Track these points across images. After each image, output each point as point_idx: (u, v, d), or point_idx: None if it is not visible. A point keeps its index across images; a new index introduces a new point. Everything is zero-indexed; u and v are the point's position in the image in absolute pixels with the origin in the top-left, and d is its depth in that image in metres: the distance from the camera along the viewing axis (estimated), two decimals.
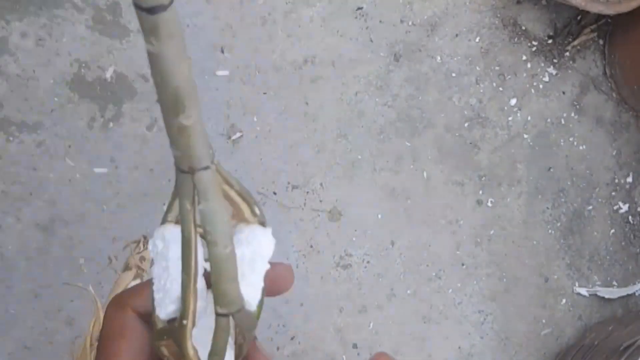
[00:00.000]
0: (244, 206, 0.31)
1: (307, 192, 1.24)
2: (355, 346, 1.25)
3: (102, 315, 0.74)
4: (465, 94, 1.32)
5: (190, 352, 0.27)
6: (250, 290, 0.31)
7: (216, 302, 0.26)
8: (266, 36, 1.23)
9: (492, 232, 1.33)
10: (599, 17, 1.36)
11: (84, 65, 1.14)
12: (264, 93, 1.22)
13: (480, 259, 1.32)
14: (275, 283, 0.31)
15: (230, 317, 0.27)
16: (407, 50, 1.29)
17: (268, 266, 0.30)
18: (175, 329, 0.27)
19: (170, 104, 0.22)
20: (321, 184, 1.24)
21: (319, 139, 1.25)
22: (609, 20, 1.39)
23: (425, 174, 1.30)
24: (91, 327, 0.76)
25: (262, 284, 0.31)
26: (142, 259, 0.79)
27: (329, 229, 1.24)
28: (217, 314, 0.26)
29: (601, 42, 1.40)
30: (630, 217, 1.41)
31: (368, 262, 1.26)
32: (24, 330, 1.10)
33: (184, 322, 0.27)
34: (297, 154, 1.24)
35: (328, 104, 1.25)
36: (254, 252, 0.31)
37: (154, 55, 0.22)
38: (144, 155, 1.16)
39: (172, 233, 0.29)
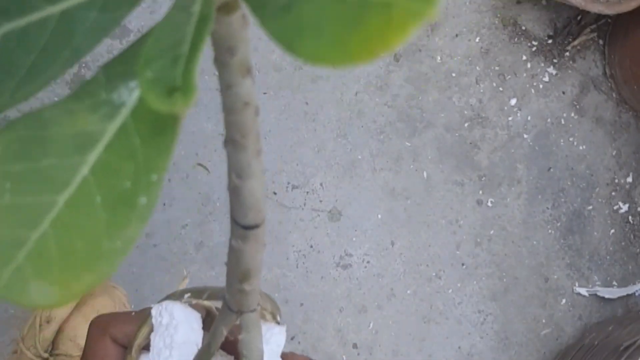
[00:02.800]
0: (269, 316, 0.36)
1: (307, 192, 1.24)
2: (355, 346, 1.25)
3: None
4: (465, 94, 1.32)
5: None
6: None
7: None
8: (266, 36, 1.23)
9: (492, 232, 1.33)
10: (599, 17, 1.36)
11: (83, 65, 1.14)
12: (264, 93, 1.22)
13: (480, 259, 1.32)
14: None
15: None
16: (407, 50, 1.29)
17: None
18: None
19: (238, 277, 0.25)
20: (321, 184, 1.24)
21: (319, 139, 1.25)
22: (609, 20, 1.39)
23: (425, 174, 1.30)
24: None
25: None
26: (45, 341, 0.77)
27: (329, 229, 1.24)
28: None
29: (601, 42, 1.40)
30: (630, 217, 1.41)
31: (368, 262, 1.26)
32: None
33: None
34: (297, 154, 1.24)
35: (328, 104, 1.25)
36: (271, 351, 0.35)
37: (236, 250, 0.25)
38: None
39: (181, 313, 0.32)
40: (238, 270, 0.25)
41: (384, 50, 0.15)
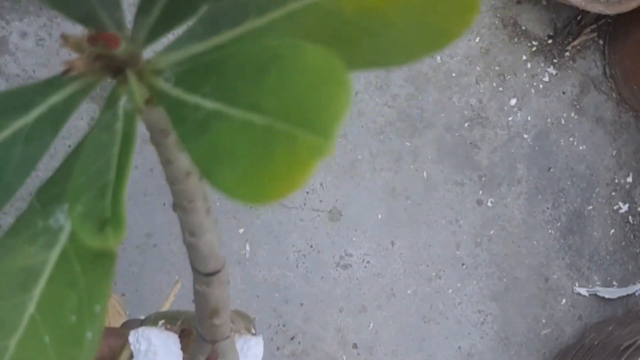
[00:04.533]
0: (244, 331, 0.37)
1: (307, 192, 1.24)
2: (355, 346, 1.25)
3: None
4: (465, 94, 1.32)
5: None
6: None
7: None
8: None
9: (492, 232, 1.33)
10: (599, 17, 1.36)
11: None
12: None
13: (480, 259, 1.32)
14: None
15: None
16: None
17: None
18: None
19: (208, 314, 0.27)
20: (321, 184, 1.24)
21: None
22: (609, 20, 1.39)
23: (425, 173, 1.30)
24: None
25: None
26: None
27: (329, 229, 1.24)
28: None
29: (601, 42, 1.40)
30: (630, 217, 1.41)
31: (368, 262, 1.26)
32: None
33: None
34: None
35: None
36: None
37: (202, 293, 0.26)
38: (144, 155, 1.16)
39: (158, 338, 0.33)
40: (206, 309, 0.26)
41: (291, 188, 0.15)
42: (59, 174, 0.21)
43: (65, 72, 0.19)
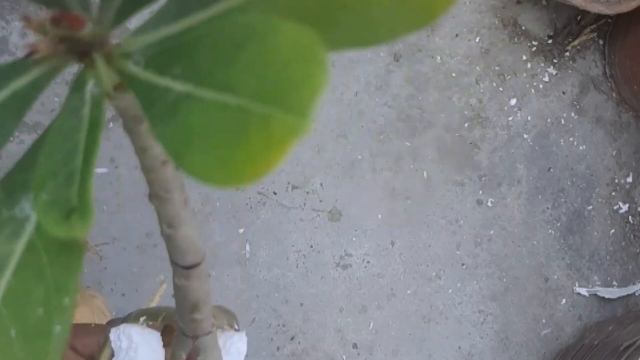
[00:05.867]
0: (226, 327, 0.36)
1: (307, 192, 1.24)
2: (355, 346, 1.25)
3: None
4: (465, 94, 1.32)
5: None
6: None
7: None
8: None
9: (492, 232, 1.33)
10: (599, 17, 1.36)
11: None
12: None
13: (480, 259, 1.32)
14: None
15: None
16: (407, 50, 1.29)
17: None
18: None
19: (188, 309, 0.26)
20: (321, 184, 1.24)
21: (319, 139, 1.25)
22: (609, 20, 1.39)
23: (425, 174, 1.30)
24: None
25: None
26: None
27: (329, 229, 1.24)
28: None
29: (601, 42, 1.40)
30: (630, 217, 1.41)
31: (368, 262, 1.26)
32: None
33: None
34: (297, 154, 1.24)
35: (328, 104, 1.25)
36: (233, 359, 0.35)
37: (181, 287, 0.26)
38: None
39: (140, 335, 0.32)
40: (187, 304, 0.26)
41: (266, 169, 0.15)
42: (25, 161, 0.20)
43: (29, 55, 0.18)
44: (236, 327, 0.36)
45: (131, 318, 0.34)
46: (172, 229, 0.23)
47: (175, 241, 0.24)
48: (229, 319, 0.35)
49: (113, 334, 0.33)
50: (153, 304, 0.69)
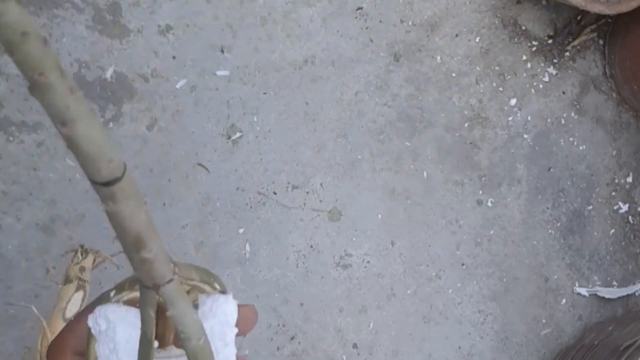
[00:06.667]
0: (205, 286, 0.33)
1: (307, 192, 1.24)
2: (355, 346, 1.25)
3: (48, 332, 0.73)
4: (465, 94, 1.32)
5: None
6: None
7: None
8: (266, 36, 1.23)
9: (492, 232, 1.33)
10: (599, 17, 1.36)
11: (84, 65, 1.14)
12: (264, 93, 1.22)
13: (480, 259, 1.32)
14: (239, 326, 0.33)
15: None
16: (407, 50, 1.29)
17: (236, 331, 0.32)
18: None
19: (132, 245, 0.23)
20: (321, 184, 1.24)
21: (319, 139, 1.25)
22: (609, 20, 1.39)
23: (425, 174, 1.30)
24: (39, 344, 0.75)
25: (234, 352, 0.32)
26: (82, 269, 0.77)
27: (329, 229, 1.24)
28: None
29: (601, 42, 1.40)
30: (630, 217, 1.41)
31: (368, 262, 1.26)
32: (24, 330, 1.10)
33: None
34: (297, 154, 1.24)
35: (328, 103, 1.25)
36: (221, 322, 0.32)
37: (112, 214, 0.23)
38: (144, 155, 1.16)
39: (115, 313, 0.31)
40: (128, 238, 0.23)
41: None
42: None
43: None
44: (218, 287, 0.33)
45: (103, 299, 0.33)
46: (66, 127, 0.19)
47: (77, 145, 0.20)
48: (206, 277, 0.33)
49: (91, 320, 0.31)
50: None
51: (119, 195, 0.22)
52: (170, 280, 0.25)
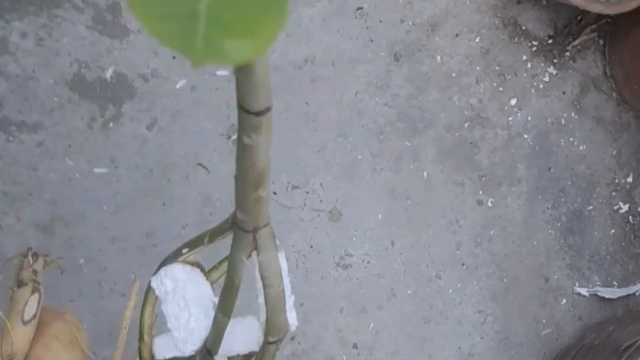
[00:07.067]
0: None
1: (307, 192, 1.24)
2: (355, 346, 1.25)
3: (11, 333, 0.73)
4: (465, 94, 1.32)
5: None
6: (291, 314, 0.33)
7: (268, 332, 0.28)
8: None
9: (492, 232, 1.33)
10: (599, 17, 1.36)
11: (84, 65, 1.14)
12: None
13: (481, 259, 1.32)
14: None
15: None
16: (407, 50, 1.29)
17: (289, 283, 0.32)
18: None
19: (254, 182, 0.24)
20: (321, 184, 1.24)
21: (319, 139, 1.25)
22: (610, 20, 1.39)
23: (425, 174, 1.29)
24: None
25: (293, 299, 0.32)
26: (35, 272, 0.77)
27: (329, 229, 1.24)
28: (268, 343, 0.28)
29: (601, 42, 1.40)
30: (630, 217, 1.41)
31: (368, 262, 1.26)
32: None
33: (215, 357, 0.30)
34: (297, 154, 1.24)
35: (328, 103, 1.25)
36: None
37: (249, 147, 0.23)
38: (144, 155, 1.16)
39: (183, 272, 0.31)
40: (253, 174, 0.23)
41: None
42: None
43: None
44: (277, 242, 0.33)
45: (170, 258, 0.33)
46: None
47: (250, 73, 0.21)
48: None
49: (154, 281, 0.32)
50: (131, 303, 0.69)
51: (264, 126, 0.22)
52: (267, 224, 0.26)
